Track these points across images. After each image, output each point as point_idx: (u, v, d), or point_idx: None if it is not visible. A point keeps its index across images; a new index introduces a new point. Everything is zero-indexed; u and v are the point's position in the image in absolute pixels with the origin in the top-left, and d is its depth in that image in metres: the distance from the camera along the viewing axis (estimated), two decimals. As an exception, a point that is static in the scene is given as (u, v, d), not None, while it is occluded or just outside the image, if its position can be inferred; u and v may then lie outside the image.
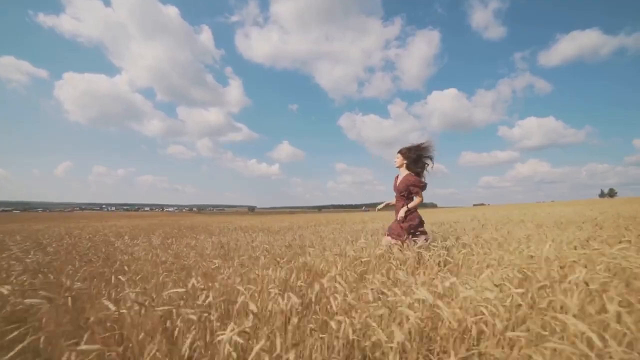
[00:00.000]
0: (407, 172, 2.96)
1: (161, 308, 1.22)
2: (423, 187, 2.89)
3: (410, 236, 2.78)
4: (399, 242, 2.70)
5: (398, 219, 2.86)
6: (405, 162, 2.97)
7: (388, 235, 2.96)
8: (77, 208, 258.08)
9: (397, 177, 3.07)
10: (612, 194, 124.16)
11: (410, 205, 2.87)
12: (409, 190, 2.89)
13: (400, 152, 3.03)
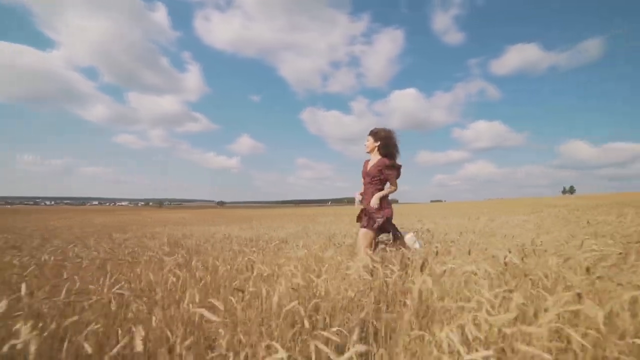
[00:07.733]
0: (379, 156, 2.62)
1: None
2: (398, 170, 2.59)
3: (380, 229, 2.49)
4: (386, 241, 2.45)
5: (371, 205, 2.48)
6: (377, 144, 2.60)
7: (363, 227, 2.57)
8: (2, 202, 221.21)
9: (367, 162, 2.73)
10: (572, 190, 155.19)
11: (384, 192, 2.55)
12: (382, 173, 2.56)
13: (371, 133, 2.65)
